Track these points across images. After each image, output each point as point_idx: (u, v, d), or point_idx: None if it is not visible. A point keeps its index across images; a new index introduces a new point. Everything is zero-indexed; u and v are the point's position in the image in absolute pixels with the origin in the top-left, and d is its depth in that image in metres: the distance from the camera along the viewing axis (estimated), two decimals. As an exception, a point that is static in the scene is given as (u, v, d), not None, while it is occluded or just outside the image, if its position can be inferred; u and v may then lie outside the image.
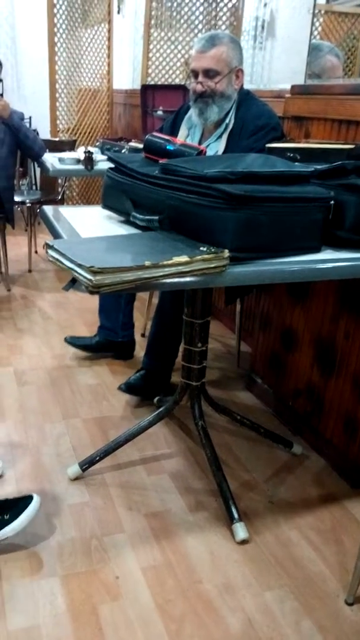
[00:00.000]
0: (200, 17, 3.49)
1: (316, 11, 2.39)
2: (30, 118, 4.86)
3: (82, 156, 2.82)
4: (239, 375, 2.48)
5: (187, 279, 1.14)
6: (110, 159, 1.58)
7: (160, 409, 1.84)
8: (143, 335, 2.74)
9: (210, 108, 1.90)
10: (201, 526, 1.60)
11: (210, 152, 1.91)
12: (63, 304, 3.17)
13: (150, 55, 3.67)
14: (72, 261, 1.10)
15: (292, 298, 2.03)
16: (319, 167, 1.40)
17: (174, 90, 3.32)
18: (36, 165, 4.54)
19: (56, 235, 1.40)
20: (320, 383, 1.91)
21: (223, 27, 3.39)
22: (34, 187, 5.03)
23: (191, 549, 1.52)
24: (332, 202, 1.31)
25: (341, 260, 1.30)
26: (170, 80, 3.71)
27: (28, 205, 3.79)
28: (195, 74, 1.89)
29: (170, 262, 1.10)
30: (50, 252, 1.19)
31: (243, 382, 2.41)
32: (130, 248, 1.22)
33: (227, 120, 1.93)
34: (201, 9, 3.47)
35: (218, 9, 3.41)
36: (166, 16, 3.58)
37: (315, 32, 2.38)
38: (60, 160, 2.91)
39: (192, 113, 1.97)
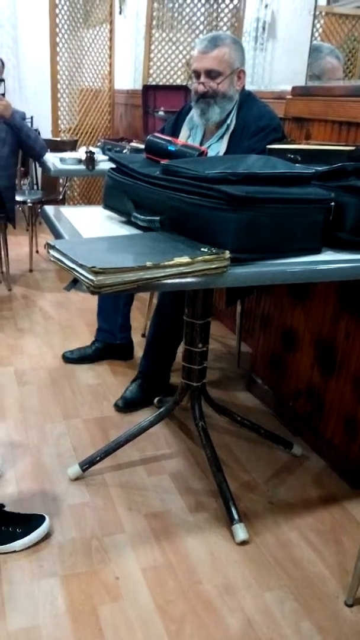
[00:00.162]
0: (202, 18, 3.50)
1: (317, 13, 2.39)
2: (31, 118, 4.86)
3: (83, 156, 2.83)
4: (240, 376, 2.48)
5: (188, 279, 1.14)
6: (111, 160, 1.58)
7: (161, 410, 1.84)
8: (143, 335, 2.74)
9: (212, 109, 1.90)
10: (201, 527, 1.60)
11: (211, 153, 1.92)
12: (64, 304, 3.17)
13: (152, 55, 3.67)
14: (73, 261, 1.10)
15: (293, 299, 2.03)
16: (319, 168, 1.40)
17: (175, 90, 3.32)
18: (37, 165, 4.55)
19: (57, 235, 1.40)
20: (320, 384, 1.91)
21: (224, 28, 3.40)
22: (35, 187, 5.04)
23: (191, 550, 1.52)
24: (332, 203, 1.32)
25: (342, 262, 1.30)
26: (171, 80, 3.72)
27: (29, 205, 3.79)
28: (197, 74, 1.90)
29: (171, 262, 1.10)
30: (52, 252, 1.19)
31: (243, 382, 2.41)
32: (131, 248, 1.23)
33: (228, 121, 1.93)
34: (202, 9, 3.47)
35: (219, 10, 3.41)
36: (168, 17, 3.58)
37: (316, 34, 2.39)
38: (62, 160, 2.91)
39: (194, 114, 1.97)
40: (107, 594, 1.37)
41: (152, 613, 1.33)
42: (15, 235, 4.38)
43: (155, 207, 1.35)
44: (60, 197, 4.02)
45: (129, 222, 1.47)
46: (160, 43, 3.64)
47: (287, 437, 2.00)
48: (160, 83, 3.69)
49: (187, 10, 3.52)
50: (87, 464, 1.77)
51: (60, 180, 4.17)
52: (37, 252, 4.08)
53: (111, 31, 4.10)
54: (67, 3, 3.81)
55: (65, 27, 3.85)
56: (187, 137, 2.04)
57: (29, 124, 4.21)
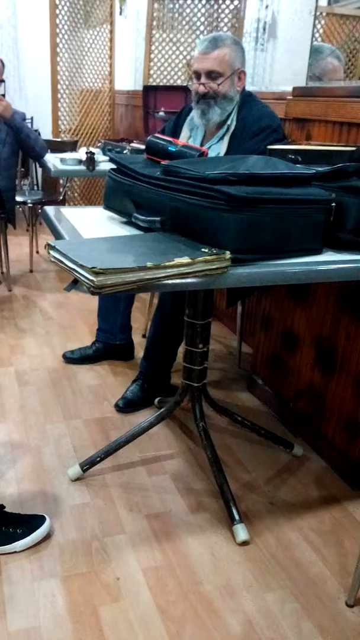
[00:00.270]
0: (202, 19, 3.50)
1: (317, 13, 2.39)
2: (32, 118, 4.86)
3: (83, 157, 2.83)
4: (240, 376, 2.48)
5: (189, 280, 1.14)
6: (112, 160, 1.58)
7: (162, 410, 1.84)
8: (144, 335, 2.74)
9: (213, 109, 1.90)
10: (202, 527, 1.60)
11: (212, 154, 1.92)
12: (64, 305, 3.17)
13: (152, 56, 3.67)
14: (73, 262, 1.10)
15: (293, 299, 2.03)
16: (320, 169, 1.40)
17: (176, 91, 3.32)
18: (38, 165, 4.56)
19: (58, 235, 1.40)
20: (321, 384, 1.91)
21: (225, 28, 3.40)
22: (35, 188, 5.04)
23: (192, 550, 1.52)
24: (333, 204, 1.32)
25: (342, 262, 1.30)
26: (172, 81, 3.72)
27: (29, 205, 3.80)
28: (197, 75, 1.90)
29: (172, 263, 1.10)
30: (52, 252, 1.19)
31: (244, 383, 2.41)
32: (132, 249, 1.23)
33: (228, 122, 1.93)
34: (203, 10, 3.47)
35: (220, 11, 3.41)
36: (168, 17, 3.58)
37: (317, 35, 2.39)
38: (62, 160, 2.91)
39: (194, 114, 1.97)
40: (107, 595, 1.37)
41: (152, 614, 1.33)
42: (16, 236, 4.38)
43: (156, 208, 1.35)
44: (61, 197, 4.02)
45: (129, 223, 1.48)
46: (160, 44, 3.64)
47: (288, 438, 1.99)
48: (161, 84, 3.70)
49: (188, 10, 3.52)
50: (88, 465, 1.77)
51: (61, 181, 4.18)
52: (37, 252, 4.08)
53: (111, 32, 4.11)
54: (68, 4, 3.82)
55: (66, 27, 3.85)
56: (187, 137, 2.04)
57: (29, 125, 4.21)
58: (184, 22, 3.57)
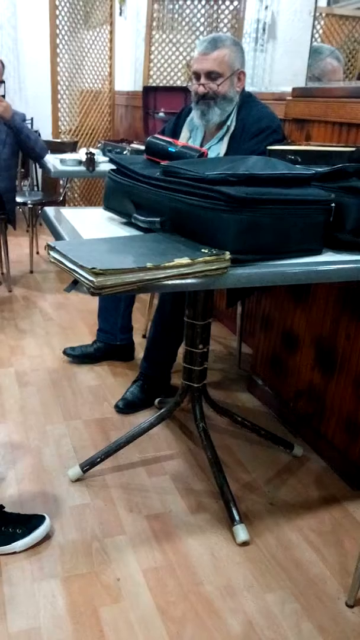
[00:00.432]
0: (202, 20, 3.50)
1: (317, 14, 2.39)
2: (32, 119, 4.86)
3: (83, 157, 2.83)
4: (240, 377, 2.48)
5: (189, 280, 1.14)
6: (112, 161, 1.58)
7: (162, 411, 1.84)
8: (144, 336, 2.74)
9: (212, 110, 1.90)
10: (202, 528, 1.60)
11: (211, 154, 1.92)
12: (64, 305, 3.17)
13: (152, 57, 3.67)
14: (73, 262, 1.10)
15: (293, 299, 2.03)
16: (319, 169, 1.40)
17: (176, 92, 3.33)
18: (38, 166, 4.56)
19: (58, 236, 1.40)
20: (321, 384, 1.92)
21: (224, 29, 3.40)
22: (35, 188, 5.04)
23: (192, 551, 1.52)
24: (333, 204, 1.32)
25: (342, 263, 1.30)
26: (171, 82, 3.72)
27: (29, 206, 3.80)
28: (197, 76, 1.90)
29: (171, 263, 1.10)
30: (52, 253, 1.19)
31: (244, 383, 2.41)
32: (131, 250, 1.23)
33: (228, 123, 1.93)
34: (202, 11, 3.48)
35: (219, 11, 3.42)
36: (168, 18, 3.58)
37: (316, 35, 2.39)
38: (62, 161, 2.91)
39: (194, 115, 1.97)
40: (107, 595, 1.37)
41: (153, 614, 1.33)
42: (16, 237, 4.39)
43: (156, 208, 1.35)
44: (61, 198, 4.02)
45: (129, 224, 1.48)
46: (160, 44, 3.65)
47: (288, 438, 2.00)
48: (161, 84, 3.70)
49: (187, 11, 3.52)
50: (88, 465, 1.77)
51: (61, 182, 4.18)
52: (37, 253, 4.08)
53: (111, 32, 4.11)
54: (67, 4, 3.82)
55: (66, 28, 3.85)
56: (187, 138, 2.05)
57: (29, 126, 4.21)
58: (183, 23, 3.57)
